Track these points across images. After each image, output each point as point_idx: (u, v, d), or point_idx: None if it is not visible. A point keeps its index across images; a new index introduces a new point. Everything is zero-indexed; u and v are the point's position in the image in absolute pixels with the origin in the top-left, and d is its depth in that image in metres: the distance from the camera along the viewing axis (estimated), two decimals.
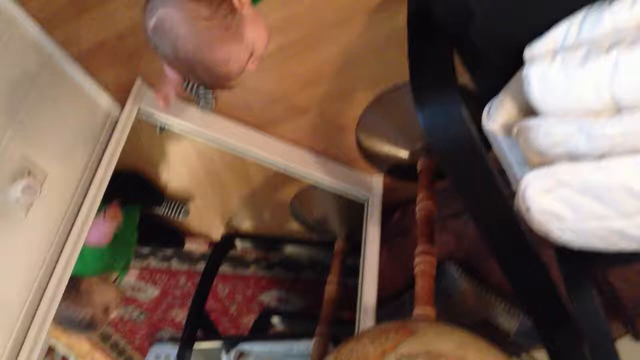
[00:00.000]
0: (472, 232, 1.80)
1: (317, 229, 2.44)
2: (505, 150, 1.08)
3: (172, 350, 3.03)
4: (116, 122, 1.80)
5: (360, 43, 1.64)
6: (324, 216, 2.37)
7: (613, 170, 0.85)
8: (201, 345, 2.54)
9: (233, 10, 0.99)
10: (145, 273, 2.88)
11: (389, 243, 2.02)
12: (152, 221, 2.51)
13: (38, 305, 1.47)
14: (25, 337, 1.42)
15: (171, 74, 1.47)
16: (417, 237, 1.56)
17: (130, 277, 2.86)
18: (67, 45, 1.70)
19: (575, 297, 1.18)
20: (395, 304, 1.95)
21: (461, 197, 1.01)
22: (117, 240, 2.06)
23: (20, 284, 1.47)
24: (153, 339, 3.25)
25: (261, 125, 1.95)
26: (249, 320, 3.04)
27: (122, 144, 1.77)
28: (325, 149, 2.03)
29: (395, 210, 2.12)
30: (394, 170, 1.98)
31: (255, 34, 1.03)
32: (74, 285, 1.87)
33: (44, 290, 1.50)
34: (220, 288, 2.92)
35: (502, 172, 1.08)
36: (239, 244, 2.65)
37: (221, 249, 2.64)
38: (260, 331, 2.87)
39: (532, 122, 0.92)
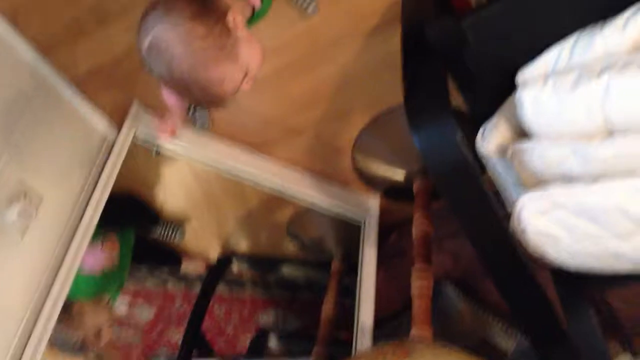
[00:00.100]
0: (468, 252, 1.79)
1: (313, 250, 2.43)
2: (500, 172, 1.09)
3: None
4: (112, 145, 1.80)
5: (356, 66, 1.65)
6: (320, 237, 2.36)
7: (607, 192, 0.86)
8: None
9: (227, 30, 1.00)
10: (141, 294, 2.85)
11: (386, 263, 2.01)
12: (148, 242, 2.50)
13: (33, 327, 1.46)
14: (21, 359, 1.41)
15: (173, 102, 1.47)
16: (413, 258, 1.56)
17: (125, 298, 2.84)
18: (64, 68, 1.71)
19: (572, 317, 1.17)
20: (392, 324, 1.95)
21: (457, 219, 1.01)
22: (112, 265, 2.05)
23: (16, 306, 1.46)
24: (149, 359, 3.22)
25: (257, 146, 1.96)
26: (245, 340, 3.02)
27: (119, 167, 1.77)
28: (322, 170, 2.04)
29: (391, 231, 2.12)
30: (391, 191, 1.99)
31: (249, 54, 1.04)
32: (66, 308, 1.85)
33: (40, 312, 1.49)
34: (217, 308, 2.90)
35: (497, 193, 1.09)
36: (235, 265, 2.64)
37: (218, 270, 2.63)
38: (257, 351, 2.85)
39: (526, 144, 0.93)
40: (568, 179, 0.91)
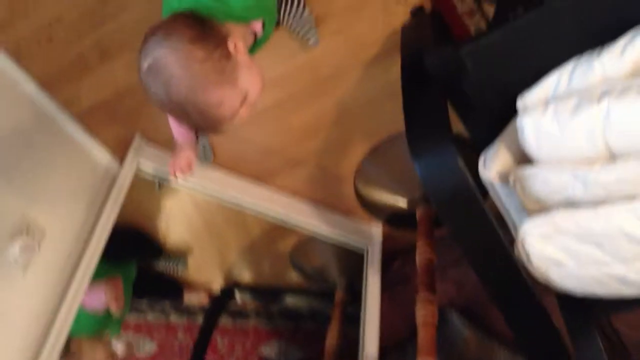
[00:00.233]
0: (472, 280, 1.78)
1: (317, 279, 2.42)
2: (503, 198, 1.09)
3: None
4: (115, 179, 1.81)
5: (356, 95, 1.67)
6: (323, 266, 2.36)
7: (610, 217, 0.86)
8: None
9: (228, 54, 1.00)
10: (143, 327, 2.83)
11: (390, 292, 2.00)
12: (149, 275, 2.49)
13: None
14: None
15: (181, 134, 1.45)
16: (417, 286, 1.55)
17: (128, 332, 2.82)
18: (67, 103, 1.73)
19: (578, 343, 1.16)
20: (397, 353, 1.93)
21: (460, 246, 1.01)
22: None
23: (18, 343, 1.45)
24: None
25: (259, 177, 1.97)
26: None
27: (121, 200, 1.77)
28: (324, 200, 2.04)
29: (395, 258, 2.11)
30: (393, 219, 1.99)
31: (249, 80, 1.04)
32: (65, 345, 1.84)
33: (41, 349, 1.48)
34: (219, 341, 2.87)
35: (500, 218, 1.09)
36: (238, 295, 2.63)
37: (220, 302, 2.61)
38: None
39: (528, 170, 0.93)
40: (571, 204, 0.91)
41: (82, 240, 1.69)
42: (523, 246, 0.99)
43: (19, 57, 1.60)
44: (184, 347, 2.90)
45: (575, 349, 1.13)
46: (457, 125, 1.12)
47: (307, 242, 2.22)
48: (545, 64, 0.95)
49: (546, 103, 0.91)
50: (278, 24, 1.49)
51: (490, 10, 1.42)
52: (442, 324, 1.62)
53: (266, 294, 2.64)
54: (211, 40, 0.98)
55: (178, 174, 1.45)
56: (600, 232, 0.88)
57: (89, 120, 1.78)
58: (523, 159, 0.97)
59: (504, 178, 1.01)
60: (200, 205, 2.16)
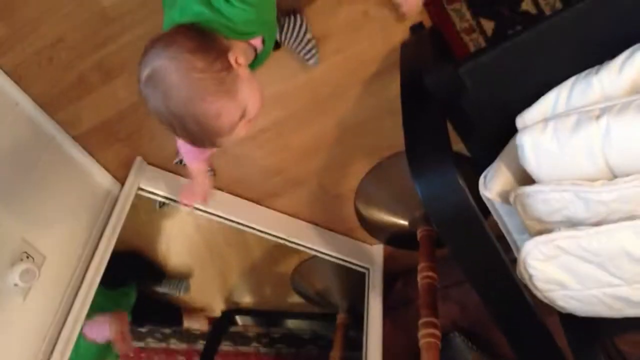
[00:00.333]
0: (475, 300, 1.76)
1: (318, 302, 2.40)
2: (504, 217, 1.08)
3: None
4: (116, 200, 1.81)
5: (356, 113, 1.67)
6: (325, 288, 2.34)
7: (612, 237, 0.85)
8: None
9: (228, 67, 1.00)
10: (143, 353, 2.81)
11: (392, 313, 1.98)
12: (149, 299, 2.47)
13: None
14: None
15: (193, 159, 1.43)
16: (419, 309, 1.54)
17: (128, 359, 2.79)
18: (68, 125, 1.73)
19: None
20: None
21: (461, 266, 1.00)
22: None
23: None
24: None
25: (260, 198, 1.96)
26: None
27: (122, 221, 1.77)
28: (325, 220, 2.03)
29: (396, 279, 2.09)
30: (394, 239, 1.98)
31: (249, 94, 1.03)
32: None
33: None
34: None
35: (502, 237, 1.07)
36: (239, 319, 2.60)
37: (221, 326, 2.59)
38: None
39: (528, 189, 0.92)
40: (573, 223, 0.90)
41: (83, 264, 1.68)
42: (525, 267, 0.97)
43: (19, 77, 1.60)
44: None
45: None
46: (458, 144, 1.12)
47: (308, 264, 2.20)
48: (544, 81, 0.95)
49: (545, 121, 0.90)
50: (278, 44, 1.50)
51: (489, 27, 1.43)
52: (445, 347, 1.60)
53: (267, 317, 2.62)
54: (211, 51, 0.98)
55: (191, 203, 1.45)
56: (602, 252, 0.87)
57: (90, 141, 1.78)
58: (523, 177, 0.97)
59: (505, 197, 1.01)
60: (201, 226, 2.15)
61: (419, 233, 1.76)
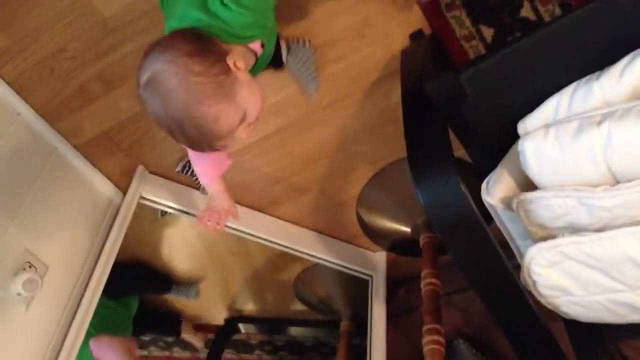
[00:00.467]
0: (479, 306, 1.76)
1: (321, 309, 2.40)
2: (507, 223, 1.08)
3: None
4: (118, 209, 1.81)
5: (357, 121, 1.67)
6: (328, 295, 2.33)
7: (616, 242, 0.85)
8: None
9: (227, 70, 1.00)
10: None
11: (395, 321, 1.98)
12: (149, 308, 2.47)
13: None
14: None
15: (205, 171, 1.40)
16: (423, 316, 1.53)
17: None
18: (70, 135, 1.74)
19: None
20: None
21: (464, 273, 1.00)
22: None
23: None
24: None
25: (262, 206, 1.96)
26: None
27: (124, 230, 1.77)
28: (327, 228, 2.03)
29: (399, 286, 2.09)
30: (397, 246, 1.97)
31: (249, 98, 1.03)
32: None
33: None
34: None
35: (505, 243, 1.07)
36: (242, 327, 2.60)
37: (224, 333, 2.58)
38: None
39: (531, 195, 0.92)
40: (576, 229, 0.90)
41: (85, 273, 1.68)
42: (529, 273, 0.97)
43: (20, 88, 1.61)
44: None
45: None
46: (459, 151, 1.12)
47: (311, 271, 2.20)
48: (545, 87, 0.95)
49: (547, 127, 0.90)
50: (282, 64, 1.52)
51: (488, 33, 1.43)
52: (449, 354, 1.59)
53: (270, 324, 2.61)
54: (210, 55, 0.98)
55: (211, 224, 1.43)
56: (605, 258, 0.87)
57: (92, 151, 1.78)
58: (526, 183, 0.96)
59: (507, 203, 1.00)
60: (203, 235, 2.15)
61: (422, 240, 1.76)
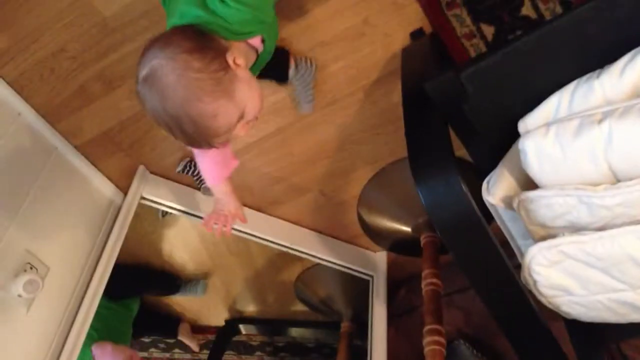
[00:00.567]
0: (480, 306, 1.76)
1: (322, 310, 2.39)
2: (507, 223, 1.07)
3: None
4: (119, 209, 1.81)
5: (357, 120, 1.67)
6: (329, 296, 2.33)
7: (617, 241, 0.84)
8: None
9: (226, 67, 1.00)
10: None
11: (396, 321, 1.97)
12: (149, 310, 2.48)
13: None
14: None
15: (219, 187, 1.39)
16: (424, 317, 1.53)
17: None
18: (70, 135, 1.74)
19: None
20: None
21: (465, 273, 1.00)
22: (112, 338, 2.01)
23: None
24: None
25: (262, 206, 1.96)
26: None
27: (125, 231, 1.77)
28: (328, 228, 2.03)
29: (400, 286, 2.09)
30: (397, 246, 1.97)
31: (247, 95, 1.02)
32: None
33: None
34: None
35: (505, 243, 1.07)
36: (243, 328, 2.59)
37: (225, 335, 2.58)
38: None
39: (531, 194, 0.92)
40: (577, 228, 0.90)
41: (86, 274, 1.68)
42: (529, 272, 0.97)
43: (20, 88, 1.61)
44: None
45: None
46: (460, 150, 1.11)
47: (312, 272, 2.20)
48: (545, 86, 0.94)
49: (547, 125, 0.90)
50: (286, 79, 1.53)
51: (489, 32, 1.43)
52: (450, 354, 1.59)
53: (271, 325, 2.61)
54: (209, 52, 0.98)
55: (217, 229, 1.43)
56: (606, 257, 0.87)
57: (92, 151, 1.78)
58: (526, 182, 0.96)
59: (508, 203, 1.00)
60: (204, 235, 2.15)
61: (423, 239, 1.76)
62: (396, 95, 1.10)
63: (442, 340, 1.47)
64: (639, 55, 0.85)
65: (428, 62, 1.29)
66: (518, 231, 1.06)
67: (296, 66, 1.52)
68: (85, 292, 1.64)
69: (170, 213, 1.88)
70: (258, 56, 1.16)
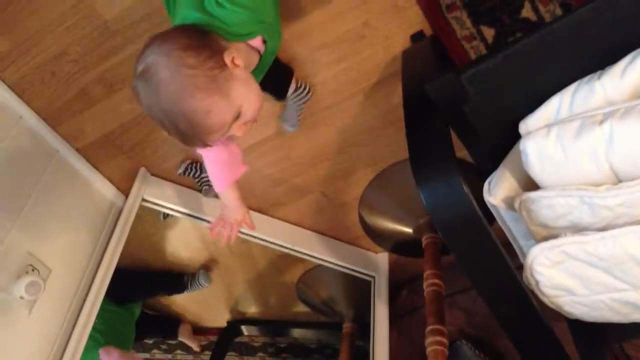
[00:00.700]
0: (482, 307, 1.76)
1: (324, 311, 2.39)
2: (509, 224, 1.08)
3: None
4: (120, 212, 1.81)
5: (358, 122, 1.68)
6: (331, 297, 2.33)
7: (618, 241, 0.84)
8: None
9: (222, 65, 1.00)
10: None
11: (398, 322, 1.97)
12: (149, 311, 2.48)
13: None
14: None
15: (226, 192, 1.39)
16: (426, 317, 1.53)
17: None
18: (72, 138, 1.74)
19: None
20: None
21: (467, 274, 1.00)
22: (115, 341, 2.01)
23: None
24: None
25: (264, 208, 1.96)
26: None
27: (127, 233, 1.77)
28: (329, 229, 2.03)
29: (402, 287, 2.09)
30: (399, 246, 1.97)
31: (244, 95, 1.02)
32: None
33: None
34: None
35: (507, 243, 1.07)
36: (245, 329, 2.59)
37: (227, 336, 2.58)
38: None
39: (533, 195, 0.92)
40: (578, 228, 0.90)
41: (88, 276, 1.68)
42: (531, 273, 0.97)
43: (22, 91, 1.61)
44: None
45: None
46: (461, 151, 1.11)
47: (313, 274, 2.20)
48: (546, 87, 0.94)
49: (549, 126, 0.90)
50: (284, 96, 1.55)
51: (489, 34, 1.43)
52: (452, 354, 1.59)
53: (273, 326, 2.61)
54: (206, 49, 0.99)
55: (223, 235, 1.42)
56: (608, 257, 0.87)
57: (93, 153, 1.78)
58: (528, 183, 0.96)
59: (510, 203, 1.00)
60: (205, 237, 2.15)
61: (424, 240, 1.76)
62: (397, 97, 1.10)
63: (444, 340, 1.47)
64: (639, 57, 0.86)
65: (428, 65, 1.29)
66: (520, 232, 1.06)
67: (296, 87, 1.54)
68: (87, 294, 1.64)
69: (172, 215, 1.89)
70: (261, 57, 1.16)
